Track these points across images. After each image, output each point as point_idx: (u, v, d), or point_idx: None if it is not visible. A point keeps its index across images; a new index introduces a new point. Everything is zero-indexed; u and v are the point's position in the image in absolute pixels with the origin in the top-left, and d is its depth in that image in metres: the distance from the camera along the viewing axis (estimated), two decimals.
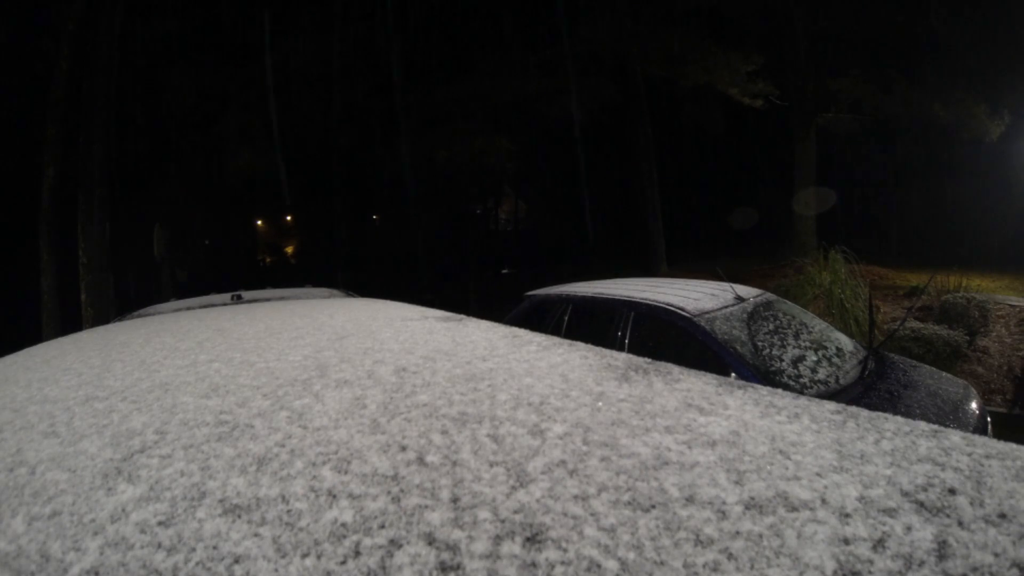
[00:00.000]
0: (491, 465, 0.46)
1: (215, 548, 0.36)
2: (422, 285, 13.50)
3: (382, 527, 0.37)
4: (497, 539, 0.35)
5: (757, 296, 3.16)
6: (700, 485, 0.41)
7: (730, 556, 0.33)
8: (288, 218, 22.86)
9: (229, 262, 16.71)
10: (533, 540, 0.35)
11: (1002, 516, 0.36)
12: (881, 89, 8.97)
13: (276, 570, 0.33)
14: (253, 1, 11.46)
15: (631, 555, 0.33)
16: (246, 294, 2.65)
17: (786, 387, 2.41)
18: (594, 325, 3.29)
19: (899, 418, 0.54)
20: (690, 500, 0.39)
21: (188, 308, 2.22)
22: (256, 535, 0.37)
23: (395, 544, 0.35)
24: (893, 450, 0.46)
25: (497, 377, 0.71)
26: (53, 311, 6.97)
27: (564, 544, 0.35)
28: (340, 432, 0.54)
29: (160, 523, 0.39)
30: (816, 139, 10.49)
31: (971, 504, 0.38)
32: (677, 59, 9.30)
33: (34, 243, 7.04)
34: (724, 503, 0.39)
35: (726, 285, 3.21)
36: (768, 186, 14.57)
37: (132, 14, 8.71)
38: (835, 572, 0.32)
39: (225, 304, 2.23)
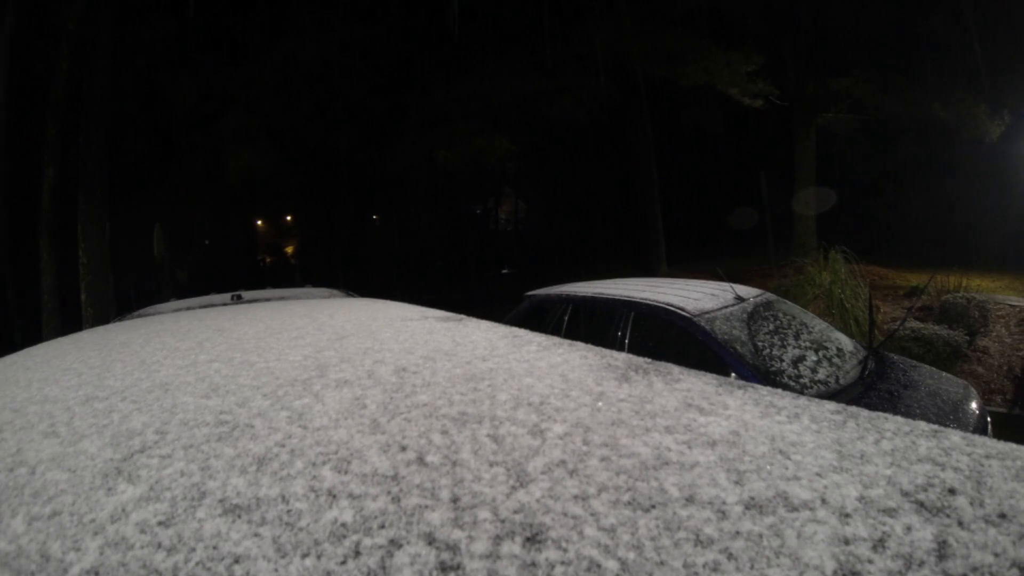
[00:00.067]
0: (491, 465, 0.46)
1: (215, 548, 0.36)
2: (422, 285, 13.50)
3: (382, 527, 0.37)
4: (497, 539, 0.35)
5: (757, 296, 3.16)
6: (700, 485, 0.41)
7: (730, 556, 0.33)
8: (288, 218, 22.88)
9: (229, 262, 16.72)
10: (533, 540, 0.35)
11: (1002, 516, 0.36)
12: (881, 89, 8.97)
13: (276, 570, 0.33)
14: (253, 1, 11.46)
15: (631, 555, 0.33)
16: (246, 294, 2.65)
17: (786, 387, 2.41)
18: (594, 325, 3.29)
19: (899, 418, 0.54)
20: (690, 500, 0.39)
21: (188, 308, 2.22)
22: (256, 535, 0.37)
23: (395, 544, 0.35)
24: (893, 450, 0.46)
25: (497, 377, 0.71)
26: (53, 311, 6.97)
27: (564, 544, 0.35)
28: (340, 432, 0.54)
29: (160, 523, 0.39)
30: (816, 139, 10.50)
31: (971, 504, 0.38)
32: (677, 59, 9.30)
33: (34, 243, 7.04)
34: (724, 503, 0.39)
35: (726, 285, 3.21)
36: (768, 186, 14.57)
37: (132, 14, 8.71)
38: (835, 572, 0.32)
39: (225, 304, 2.23)
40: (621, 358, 0.81)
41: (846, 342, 3.07)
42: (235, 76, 11.13)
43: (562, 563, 0.33)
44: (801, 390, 2.44)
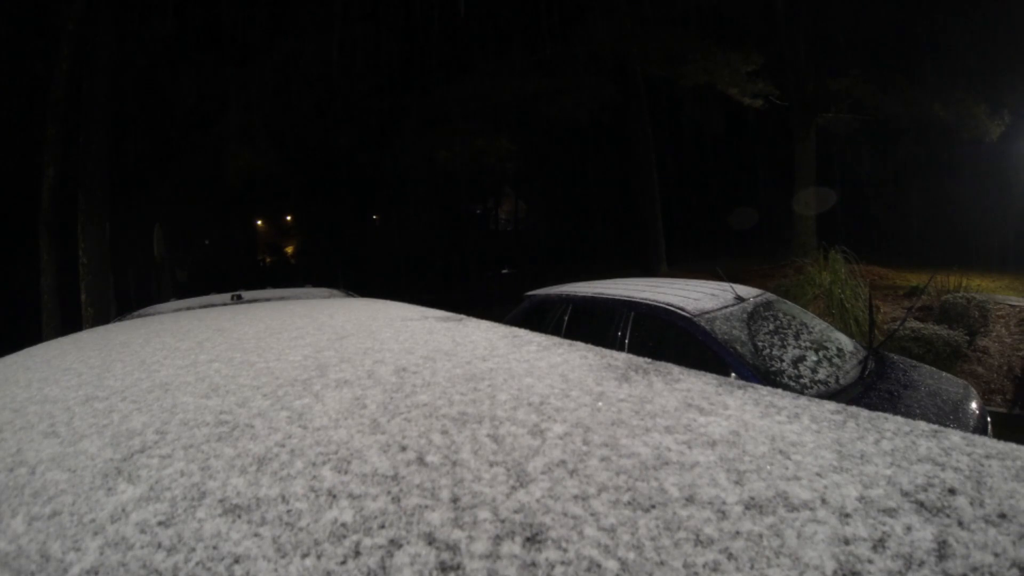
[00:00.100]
0: (491, 465, 0.46)
1: (215, 548, 0.36)
2: (422, 285, 13.50)
3: (382, 527, 0.37)
4: (497, 539, 0.35)
5: (757, 296, 3.16)
6: (700, 485, 0.41)
7: (730, 556, 0.33)
8: (288, 218, 22.88)
9: (229, 262, 16.72)
10: (533, 540, 0.35)
11: (1002, 516, 0.36)
12: (881, 89, 8.97)
13: (276, 570, 0.33)
14: (253, 1, 11.45)
15: (631, 555, 0.33)
16: (246, 294, 2.65)
17: (786, 387, 2.41)
18: (594, 325, 3.29)
19: (899, 418, 0.54)
20: (690, 500, 0.39)
21: (188, 308, 2.22)
22: (256, 535, 0.37)
23: (395, 544, 0.35)
24: (893, 450, 0.46)
25: (497, 377, 0.71)
26: (53, 311, 6.97)
27: (564, 544, 0.35)
28: (340, 432, 0.54)
29: (160, 523, 0.39)
30: (816, 139, 10.50)
31: (971, 504, 0.38)
32: (677, 59, 9.29)
33: (34, 243, 7.04)
34: (724, 503, 0.39)
35: (726, 285, 3.21)
36: (768, 186, 14.59)
37: (132, 14, 8.71)
38: (835, 572, 0.32)
39: (225, 304, 2.23)
40: (621, 358, 0.81)
41: (846, 342, 3.07)
42: (235, 76, 11.13)
43: (562, 563, 0.33)
44: (801, 390, 2.44)
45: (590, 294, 3.39)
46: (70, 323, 6.58)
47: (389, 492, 0.42)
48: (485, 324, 1.13)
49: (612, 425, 0.53)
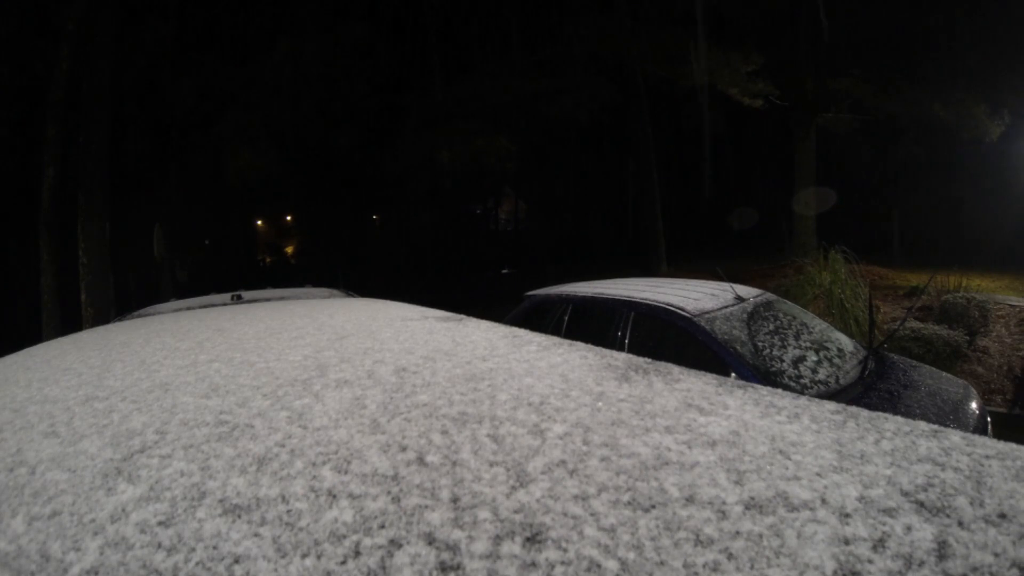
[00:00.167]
0: (491, 465, 0.45)
1: (215, 548, 0.36)
2: (422, 285, 13.50)
3: (382, 527, 0.37)
4: (497, 539, 0.35)
5: (757, 296, 3.16)
6: (700, 485, 0.41)
7: (730, 556, 0.33)
8: (288, 218, 22.89)
9: (229, 262, 16.72)
10: (533, 540, 0.35)
11: (1002, 516, 0.36)
12: (881, 89, 8.97)
13: (276, 570, 0.33)
14: (253, 1, 11.46)
15: (631, 555, 0.33)
16: (246, 294, 2.65)
17: (786, 387, 2.41)
18: (594, 325, 3.29)
19: (899, 418, 0.54)
20: (690, 500, 0.39)
21: (188, 308, 2.22)
22: (256, 535, 0.37)
23: (395, 544, 0.35)
24: (893, 450, 0.46)
25: (497, 377, 0.71)
26: (53, 311, 6.97)
27: (564, 544, 0.35)
28: (340, 432, 0.54)
29: (160, 523, 0.39)
30: (816, 139, 10.50)
31: (971, 504, 0.38)
32: (677, 59, 9.30)
33: (34, 243, 7.05)
34: (724, 503, 0.39)
35: (726, 285, 3.21)
36: (768, 186, 14.58)
37: (132, 14, 8.71)
38: (835, 572, 0.32)
39: (225, 304, 2.23)
40: (621, 358, 0.81)
41: (846, 342, 3.07)
42: (235, 76, 11.14)
43: (562, 563, 0.33)
44: (801, 390, 2.44)
45: (590, 294, 3.39)
46: (70, 323, 6.58)
47: (389, 492, 0.42)
48: (485, 324, 1.13)
49: (612, 425, 0.53)
